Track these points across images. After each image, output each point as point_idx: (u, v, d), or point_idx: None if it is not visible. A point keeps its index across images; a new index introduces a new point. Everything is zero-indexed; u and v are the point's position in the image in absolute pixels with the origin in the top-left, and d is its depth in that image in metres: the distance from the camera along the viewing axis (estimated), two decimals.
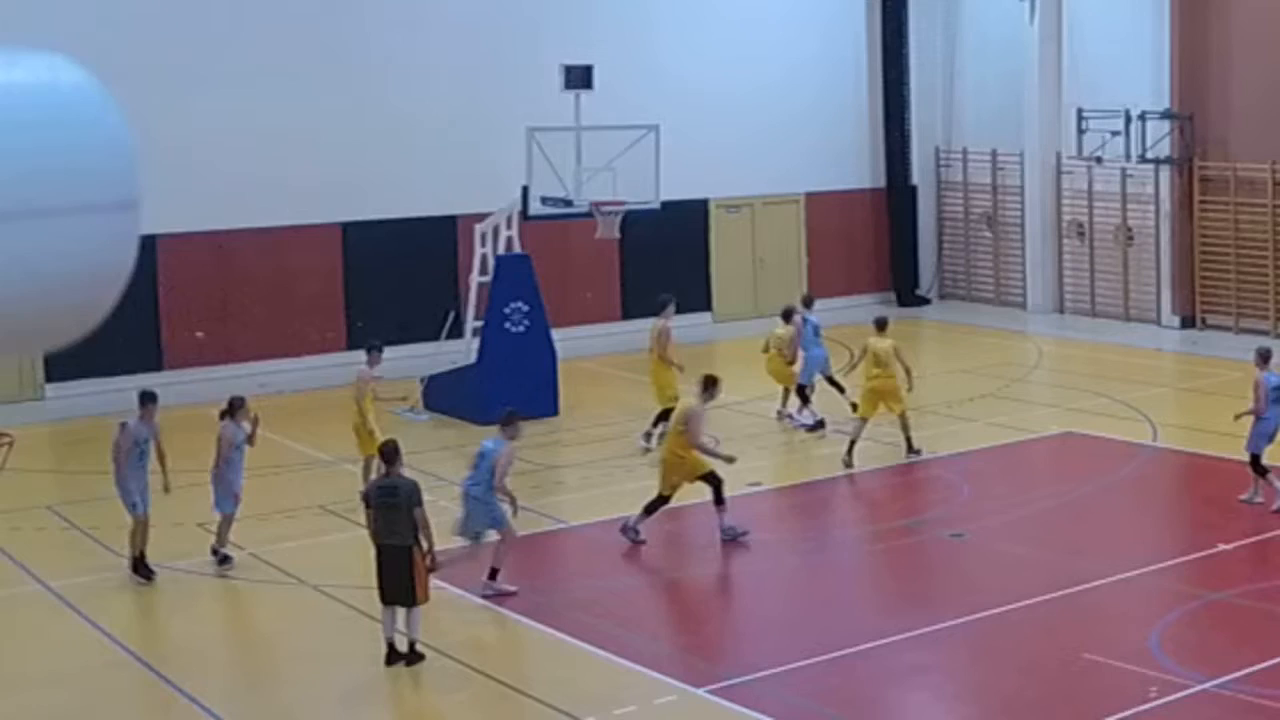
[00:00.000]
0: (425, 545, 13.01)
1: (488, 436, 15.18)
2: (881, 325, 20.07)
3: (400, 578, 12.91)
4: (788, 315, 21.77)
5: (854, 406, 20.26)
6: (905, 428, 19.53)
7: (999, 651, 13.37)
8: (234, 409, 16.08)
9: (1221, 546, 15.72)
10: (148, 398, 16.10)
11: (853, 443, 19.30)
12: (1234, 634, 13.44)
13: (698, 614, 14.86)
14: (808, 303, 22.56)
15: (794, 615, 14.67)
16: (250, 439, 16.08)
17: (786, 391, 21.88)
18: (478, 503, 14.56)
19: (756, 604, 15.42)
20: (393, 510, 13.00)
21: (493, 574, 14.58)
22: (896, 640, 13.33)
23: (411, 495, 13.03)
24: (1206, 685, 12.04)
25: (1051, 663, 12.86)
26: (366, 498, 13.37)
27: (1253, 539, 15.95)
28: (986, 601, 14.23)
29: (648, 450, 19.86)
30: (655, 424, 20.18)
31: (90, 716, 12.65)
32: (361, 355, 19.36)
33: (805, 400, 21.49)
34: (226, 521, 15.88)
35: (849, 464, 19.22)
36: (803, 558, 16.50)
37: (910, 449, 19.54)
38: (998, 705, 12.32)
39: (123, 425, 15.75)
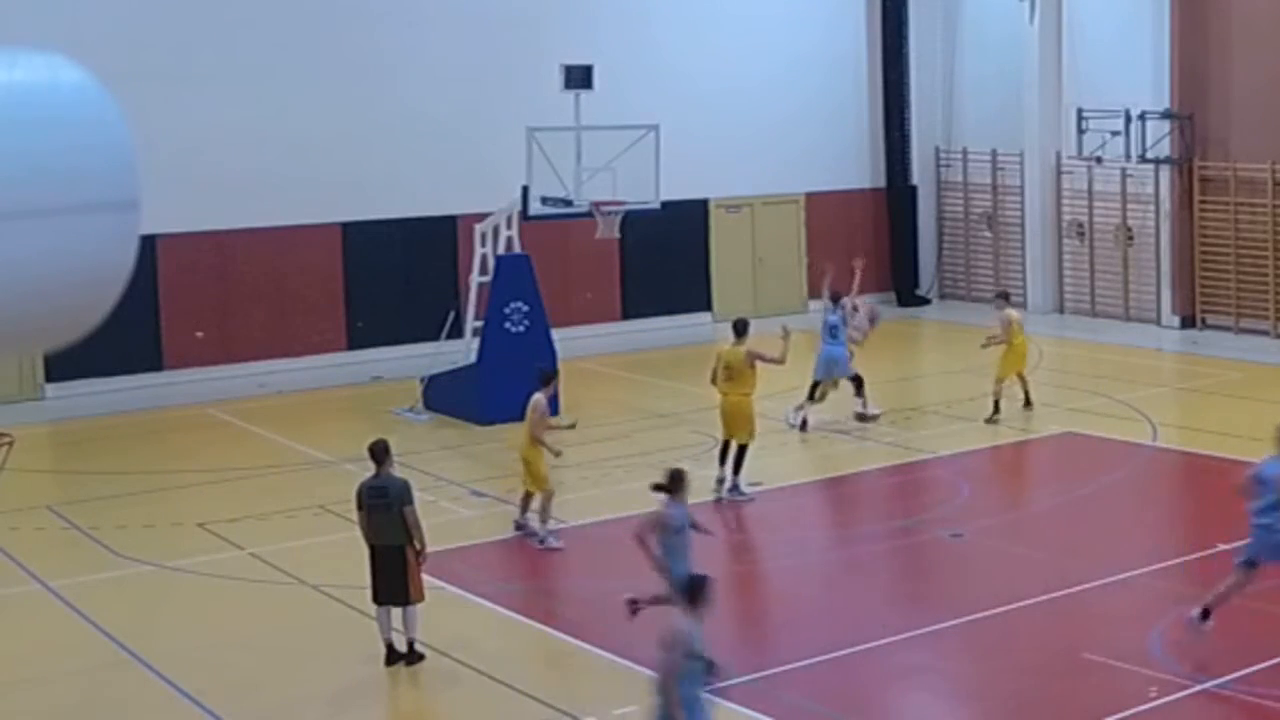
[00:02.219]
0: (417, 545, 13.02)
1: (1269, 460, 12.78)
2: (1008, 297, 22.82)
3: (393, 578, 12.94)
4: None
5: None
6: (1027, 386, 22.05)
7: (999, 651, 13.36)
8: (675, 485, 12.73)
9: (1221, 546, 15.67)
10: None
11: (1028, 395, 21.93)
12: (1234, 634, 13.42)
13: None
14: (836, 298, 21.62)
15: (794, 615, 14.67)
16: (696, 526, 12.99)
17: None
18: (1268, 532, 12.69)
19: (757, 604, 15.42)
20: (383, 511, 13.03)
21: None
22: (896, 640, 13.33)
23: (401, 495, 13.05)
24: (1206, 685, 12.04)
25: (1051, 663, 12.85)
26: (358, 498, 13.39)
27: None
28: (986, 601, 14.22)
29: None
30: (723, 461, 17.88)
31: (90, 716, 12.65)
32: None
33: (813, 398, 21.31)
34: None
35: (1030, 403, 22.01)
36: (803, 558, 16.49)
37: (1028, 402, 21.97)
38: (998, 705, 12.32)
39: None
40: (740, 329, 18.16)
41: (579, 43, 26.30)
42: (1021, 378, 22.06)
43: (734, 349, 17.95)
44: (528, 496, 16.52)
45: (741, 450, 17.75)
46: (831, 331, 21.36)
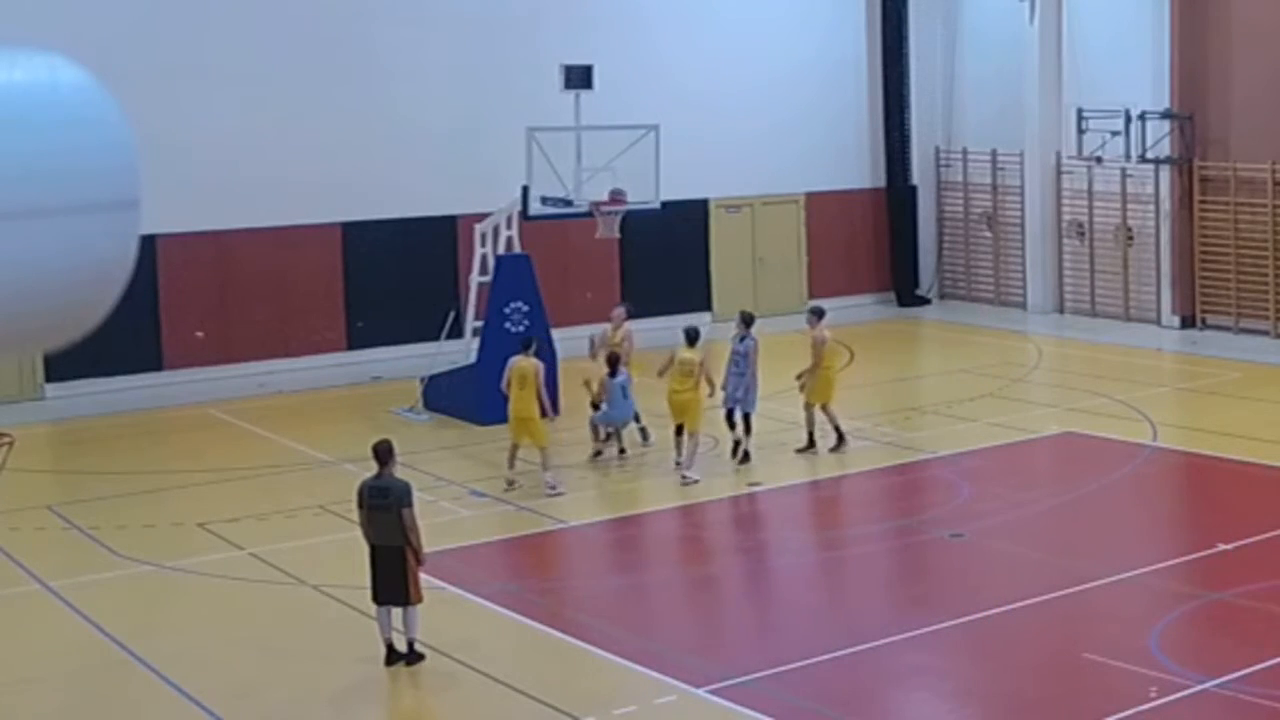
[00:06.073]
0: (415, 546, 13.01)
1: None
2: (822, 314, 20.31)
3: (393, 578, 12.95)
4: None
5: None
6: (836, 420, 19.94)
7: (999, 651, 13.36)
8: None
9: (1221, 546, 15.71)
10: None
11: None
12: (1234, 634, 13.43)
13: (698, 614, 14.85)
14: (748, 321, 19.84)
15: (794, 615, 14.66)
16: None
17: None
18: None
19: (757, 604, 15.41)
20: (384, 512, 13.03)
21: None
22: (896, 640, 13.33)
23: (402, 497, 13.04)
24: (1206, 685, 12.03)
25: (1051, 663, 12.86)
26: (359, 497, 13.38)
27: (1253, 539, 15.94)
28: (986, 601, 14.22)
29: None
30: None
31: (90, 716, 12.65)
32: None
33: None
34: None
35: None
36: (803, 558, 16.49)
37: (840, 439, 19.87)
38: (998, 705, 12.31)
39: None
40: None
41: (578, 43, 26.31)
42: (827, 410, 19.80)
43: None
44: None
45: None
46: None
